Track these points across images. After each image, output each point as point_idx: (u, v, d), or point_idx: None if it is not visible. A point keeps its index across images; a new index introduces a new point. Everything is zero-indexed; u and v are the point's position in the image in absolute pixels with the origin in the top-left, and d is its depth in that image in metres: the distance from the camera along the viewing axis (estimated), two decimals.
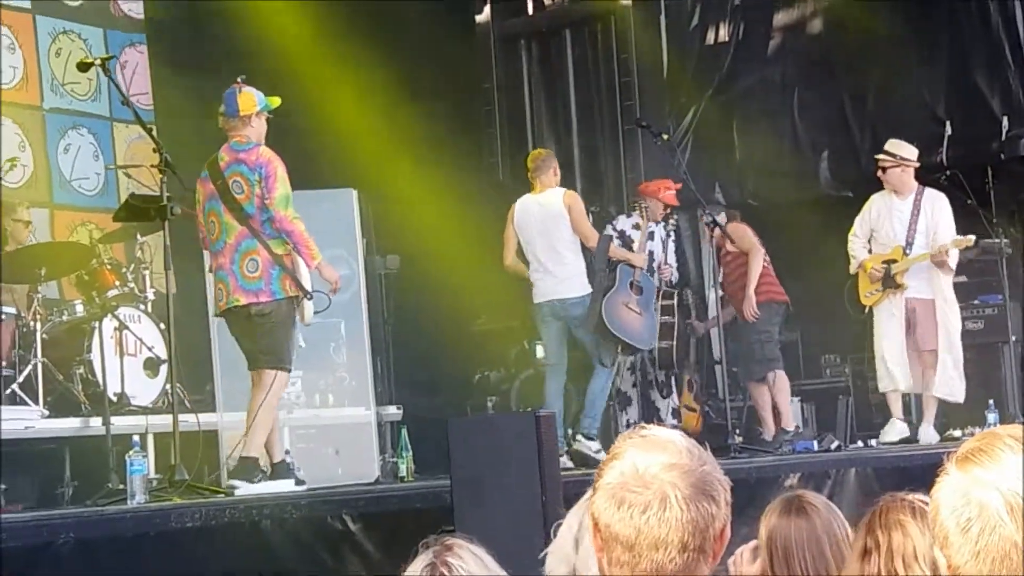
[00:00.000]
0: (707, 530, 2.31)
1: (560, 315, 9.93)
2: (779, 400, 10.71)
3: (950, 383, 10.25)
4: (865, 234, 10.50)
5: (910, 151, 10.51)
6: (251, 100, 8.13)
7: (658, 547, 2.30)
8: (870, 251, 10.50)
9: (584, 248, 10.04)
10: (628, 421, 11.12)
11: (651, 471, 2.32)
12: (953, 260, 10.25)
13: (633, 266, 10.32)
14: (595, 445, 9.55)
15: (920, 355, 10.31)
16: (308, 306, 7.98)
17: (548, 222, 9.93)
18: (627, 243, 10.99)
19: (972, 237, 10.22)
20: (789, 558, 3.67)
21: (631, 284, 10.22)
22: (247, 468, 7.72)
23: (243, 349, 8.20)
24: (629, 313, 10.13)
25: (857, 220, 10.58)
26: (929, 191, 10.41)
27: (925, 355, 10.29)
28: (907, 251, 10.26)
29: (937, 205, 10.31)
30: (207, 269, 8.44)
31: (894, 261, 10.29)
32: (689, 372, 11.63)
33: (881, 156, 10.51)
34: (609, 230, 11.32)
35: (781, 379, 10.74)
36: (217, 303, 8.17)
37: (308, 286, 7.94)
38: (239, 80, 8.19)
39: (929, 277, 10.25)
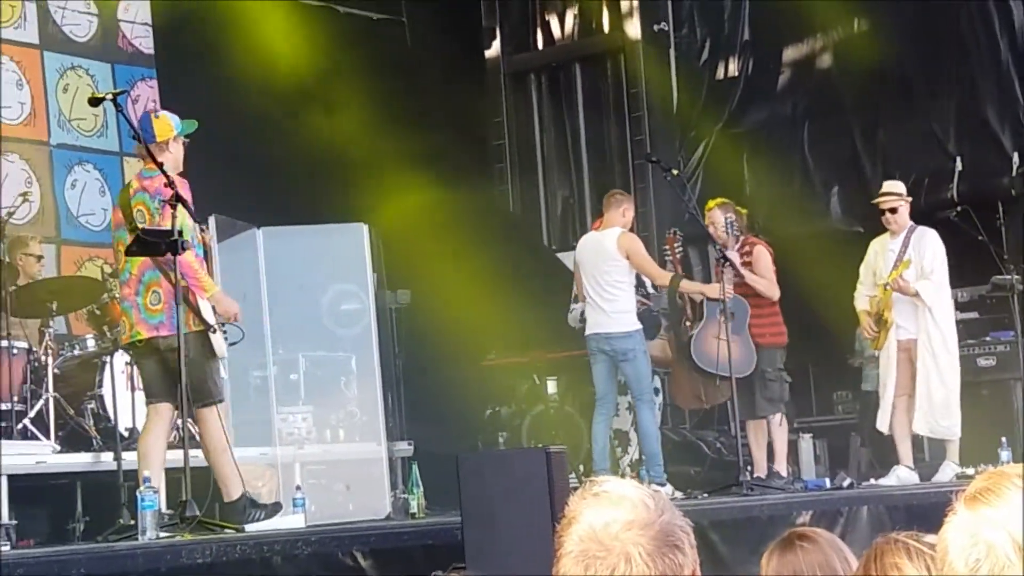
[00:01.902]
0: None
1: (605, 349, 9.98)
2: (779, 442, 10.63)
3: (929, 420, 10.18)
4: (869, 279, 10.44)
5: (903, 188, 10.53)
6: (167, 125, 7.92)
7: None
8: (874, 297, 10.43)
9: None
10: (631, 461, 11.08)
11: (610, 531, 2.26)
12: (926, 291, 10.08)
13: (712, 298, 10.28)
14: (667, 490, 9.47)
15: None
16: (216, 339, 7.72)
17: (599, 260, 10.04)
18: (643, 285, 11.00)
19: (908, 259, 10.12)
20: None
21: (720, 313, 10.12)
22: (236, 510, 7.63)
23: (144, 381, 8.05)
24: (721, 344, 10.06)
25: (861, 267, 10.53)
26: (920, 228, 10.33)
27: None
28: (887, 287, 10.21)
29: (924, 240, 10.25)
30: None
31: (880, 299, 10.27)
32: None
33: (887, 196, 10.43)
34: None
35: (784, 420, 10.67)
36: (121, 335, 8.00)
37: (211, 319, 7.67)
38: (153, 105, 8.02)
39: (917, 315, 10.19)
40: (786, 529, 7.48)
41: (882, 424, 10.30)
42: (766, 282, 10.39)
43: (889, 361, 10.25)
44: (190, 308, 7.62)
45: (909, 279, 10.08)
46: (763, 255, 10.47)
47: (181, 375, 7.68)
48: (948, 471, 10.11)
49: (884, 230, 10.53)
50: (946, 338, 10.24)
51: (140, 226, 7.65)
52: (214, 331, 7.67)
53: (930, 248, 10.19)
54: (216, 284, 7.75)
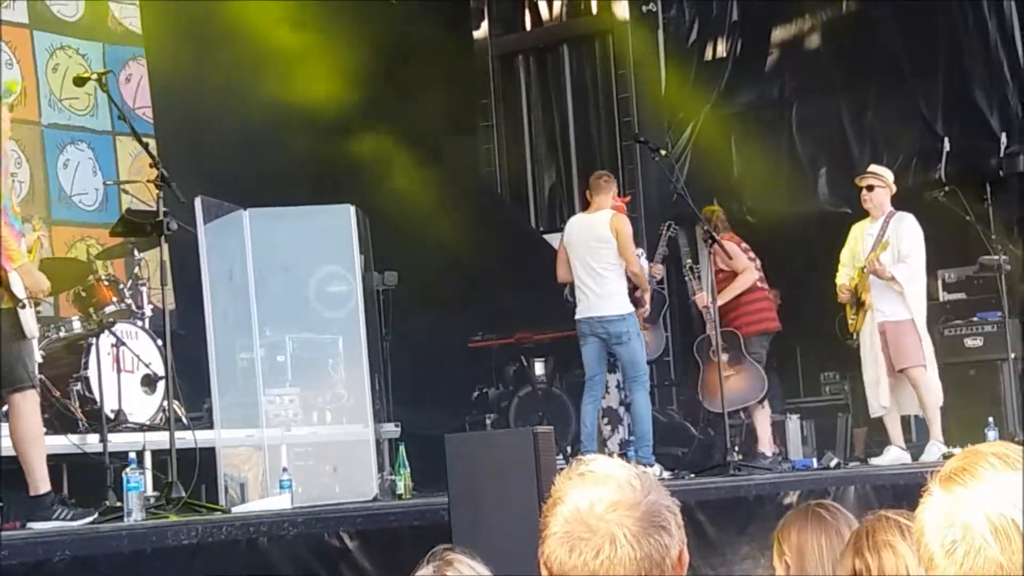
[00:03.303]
0: (663, 561, 2.24)
1: (598, 332, 10.05)
2: (761, 423, 10.74)
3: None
4: (849, 262, 10.54)
5: (890, 175, 10.58)
6: None
7: None
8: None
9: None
10: (621, 440, 11.11)
11: (596, 512, 2.25)
12: (901, 274, 10.16)
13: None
14: (656, 470, 9.52)
15: (902, 374, 10.30)
16: (26, 317, 7.04)
17: (592, 242, 10.10)
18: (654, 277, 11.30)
19: (886, 240, 10.20)
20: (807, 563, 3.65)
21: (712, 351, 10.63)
22: (43, 505, 7.04)
23: None
24: (724, 381, 10.50)
25: (843, 250, 10.62)
26: (899, 214, 10.40)
27: (906, 373, 10.27)
28: (863, 271, 10.30)
29: (902, 225, 10.30)
30: None
31: (858, 283, 10.35)
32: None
33: (867, 174, 10.54)
34: None
35: (765, 403, 10.81)
36: None
37: (21, 294, 6.99)
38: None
39: (900, 297, 10.23)
40: (774, 509, 7.52)
41: (875, 409, 10.35)
42: (740, 279, 10.67)
43: (872, 344, 10.29)
44: None
45: (886, 262, 10.14)
46: (725, 246, 10.66)
47: (167, 356, 7.67)
48: (934, 451, 10.15)
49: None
50: (918, 321, 10.28)
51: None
52: (23, 306, 7.01)
53: (908, 233, 10.27)
54: (24, 258, 7.07)
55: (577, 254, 10.14)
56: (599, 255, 10.04)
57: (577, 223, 10.39)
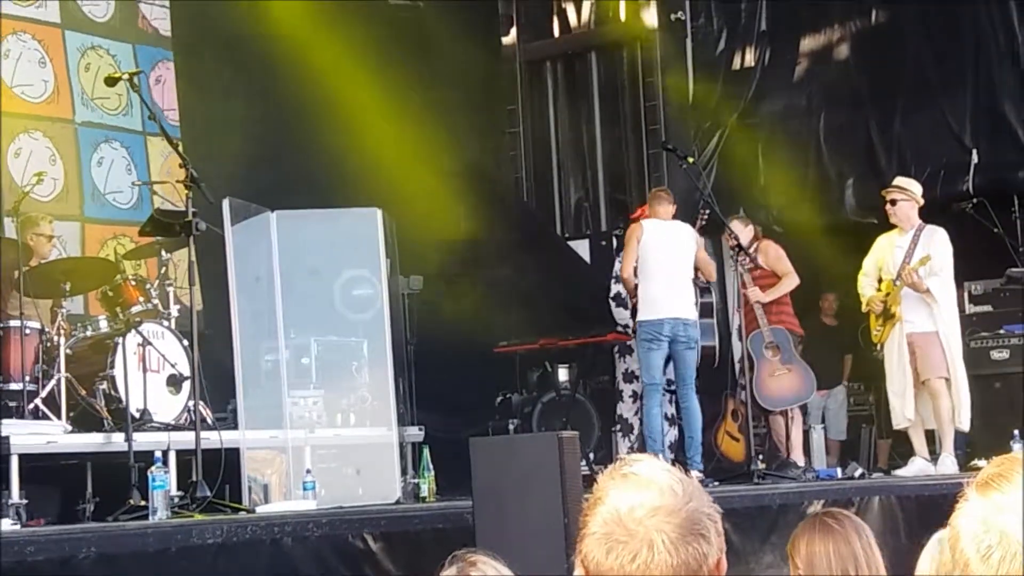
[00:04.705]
0: (700, 569, 2.21)
1: (678, 333, 10.12)
2: (793, 432, 10.72)
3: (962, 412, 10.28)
4: (873, 272, 10.51)
5: (917, 187, 10.54)
6: None
7: None
8: (879, 290, 10.50)
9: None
10: (631, 448, 11.12)
11: (635, 516, 2.22)
12: (940, 289, 10.15)
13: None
14: (699, 476, 9.57)
15: (924, 385, 10.27)
16: None
17: (681, 250, 10.32)
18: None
19: (928, 255, 10.18)
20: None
21: (763, 348, 10.81)
22: None
23: None
24: (774, 380, 10.77)
25: (866, 260, 10.60)
26: (929, 227, 10.37)
27: (927, 384, 10.24)
28: (895, 283, 10.28)
29: (934, 238, 10.28)
30: None
31: (888, 294, 10.32)
32: (735, 400, 11.63)
33: (892, 188, 10.53)
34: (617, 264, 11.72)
35: (796, 411, 10.79)
36: None
37: None
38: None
39: (929, 310, 10.21)
40: (799, 518, 7.50)
41: (901, 420, 10.31)
42: (786, 280, 10.67)
43: (899, 355, 10.25)
44: None
45: (922, 275, 10.11)
46: (771, 246, 10.69)
47: (194, 356, 7.69)
48: (948, 463, 10.13)
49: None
50: (955, 334, 10.28)
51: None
52: None
53: (939, 248, 10.22)
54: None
55: (658, 257, 10.23)
56: (688, 264, 10.30)
57: (659, 227, 10.39)
